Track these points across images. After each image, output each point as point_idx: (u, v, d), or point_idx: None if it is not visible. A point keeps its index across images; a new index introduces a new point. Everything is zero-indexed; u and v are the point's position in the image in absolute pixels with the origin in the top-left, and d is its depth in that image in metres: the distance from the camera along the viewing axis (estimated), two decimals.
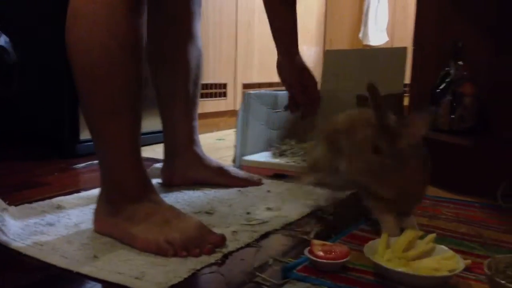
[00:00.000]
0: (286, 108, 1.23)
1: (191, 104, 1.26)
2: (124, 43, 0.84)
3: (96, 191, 0.98)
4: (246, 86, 2.58)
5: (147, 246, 0.81)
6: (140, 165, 0.90)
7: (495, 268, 0.64)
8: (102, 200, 0.91)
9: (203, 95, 2.29)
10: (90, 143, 1.41)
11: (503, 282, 0.61)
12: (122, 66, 0.84)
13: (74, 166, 1.51)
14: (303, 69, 1.18)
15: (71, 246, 0.83)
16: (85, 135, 1.63)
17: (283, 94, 1.65)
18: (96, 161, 0.94)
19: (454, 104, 1.37)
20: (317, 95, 1.20)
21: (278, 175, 1.40)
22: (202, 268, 0.76)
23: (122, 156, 0.88)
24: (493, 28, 1.43)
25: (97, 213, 0.91)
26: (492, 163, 1.21)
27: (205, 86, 2.30)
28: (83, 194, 1.16)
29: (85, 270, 0.74)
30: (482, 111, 1.40)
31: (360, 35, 3.33)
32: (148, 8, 0.90)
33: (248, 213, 1.05)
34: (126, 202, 0.87)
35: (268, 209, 1.08)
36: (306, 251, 0.77)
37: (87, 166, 1.50)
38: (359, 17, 3.38)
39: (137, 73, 0.87)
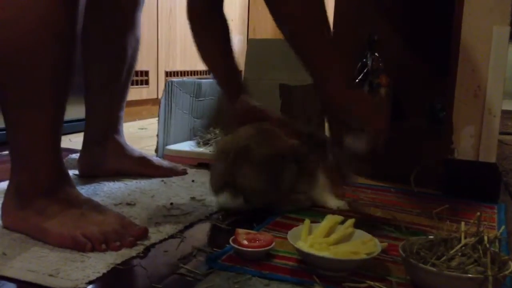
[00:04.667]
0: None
1: (120, 94, 1.22)
2: (57, 33, 0.78)
3: (4, 184, 0.91)
4: (168, 74, 2.52)
5: (62, 241, 0.76)
6: (57, 156, 0.85)
7: (409, 250, 0.68)
8: (10, 193, 0.84)
9: None
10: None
11: (416, 262, 0.65)
12: (52, 57, 0.79)
13: None
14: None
15: None
16: None
17: (206, 82, 1.63)
18: (5, 152, 0.87)
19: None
20: None
21: (203, 164, 1.38)
22: (123, 262, 0.73)
23: (40, 148, 0.82)
24: (402, 23, 1.52)
25: (5, 206, 0.85)
26: (405, 150, 1.28)
27: None
28: None
29: None
30: (397, 100, 1.47)
31: None
32: None
33: (171, 203, 1.02)
34: (38, 195, 0.81)
35: (192, 199, 1.07)
36: (230, 241, 0.77)
37: None
38: None
39: (67, 65, 0.82)
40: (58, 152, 0.85)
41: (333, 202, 1.03)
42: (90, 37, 1.14)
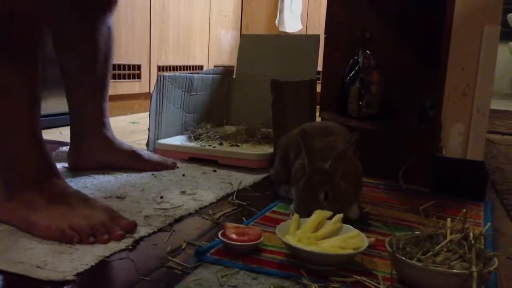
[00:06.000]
0: None
1: (99, 85, 1.20)
2: (19, 19, 0.78)
3: None
4: (161, 69, 2.51)
5: (49, 233, 0.76)
6: (40, 147, 0.84)
7: (396, 245, 0.69)
8: None
9: (116, 76, 2.19)
10: None
11: (402, 258, 0.66)
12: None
13: None
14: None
15: None
16: None
17: (198, 77, 1.62)
18: None
19: (362, 91, 1.43)
20: None
21: (194, 158, 1.38)
22: (111, 254, 0.73)
23: (18, 137, 0.82)
24: (394, 21, 1.53)
25: None
26: (394, 147, 1.29)
27: (118, 66, 2.20)
28: None
29: None
30: (387, 98, 1.48)
31: (276, 22, 3.37)
32: None
33: (161, 197, 1.02)
34: (24, 187, 0.81)
35: (183, 193, 1.07)
36: (219, 234, 0.77)
37: None
38: (276, 4, 3.42)
39: (32, 49, 0.82)
40: (40, 143, 0.85)
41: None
42: (58, 30, 1.12)
